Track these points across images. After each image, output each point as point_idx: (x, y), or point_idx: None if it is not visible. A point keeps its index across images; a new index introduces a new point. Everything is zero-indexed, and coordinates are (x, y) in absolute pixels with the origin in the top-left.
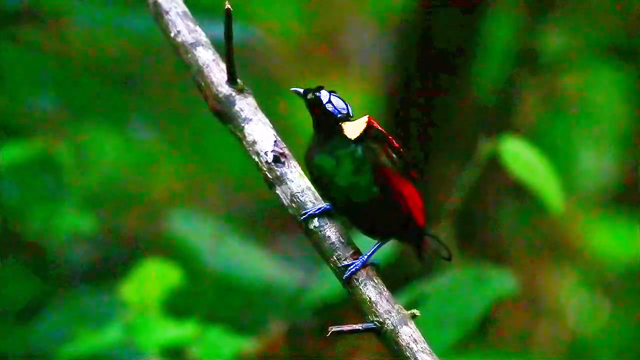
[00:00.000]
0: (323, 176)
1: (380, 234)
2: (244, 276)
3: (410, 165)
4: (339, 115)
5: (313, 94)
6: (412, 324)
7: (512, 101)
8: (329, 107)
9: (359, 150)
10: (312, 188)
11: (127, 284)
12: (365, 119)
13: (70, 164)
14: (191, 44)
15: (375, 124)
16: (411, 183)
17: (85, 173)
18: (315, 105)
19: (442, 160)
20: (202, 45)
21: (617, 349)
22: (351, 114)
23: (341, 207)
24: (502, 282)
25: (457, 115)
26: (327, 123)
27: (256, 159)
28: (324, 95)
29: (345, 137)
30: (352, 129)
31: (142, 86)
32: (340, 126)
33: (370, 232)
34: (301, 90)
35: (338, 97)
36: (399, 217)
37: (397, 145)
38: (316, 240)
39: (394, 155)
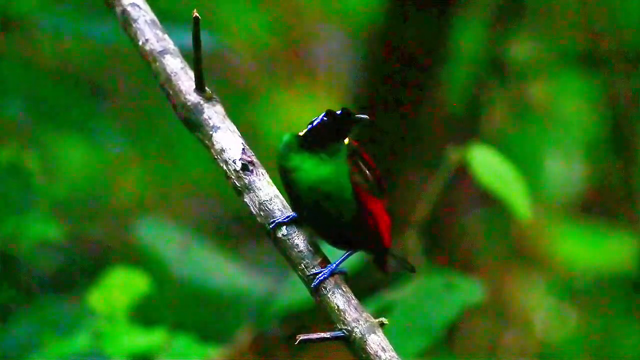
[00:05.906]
0: (297, 187)
1: (346, 247)
2: (212, 284)
3: (382, 184)
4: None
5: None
6: (380, 332)
7: (480, 109)
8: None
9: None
10: (280, 196)
11: (95, 292)
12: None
13: (38, 172)
14: (159, 52)
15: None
16: (381, 201)
17: (53, 181)
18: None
19: (410, 168)
20: (171, 53)
21: (584, 358)
22: None
23: (310, 220)
24: (470, 290)
25: (425, 123)
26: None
27: (224, 167)
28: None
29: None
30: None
31: (110, 94)
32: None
33: (336, 245)
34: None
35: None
36: (367, 234)
37: (371, 162)
38: (284, 249)
39: (367, 172)
